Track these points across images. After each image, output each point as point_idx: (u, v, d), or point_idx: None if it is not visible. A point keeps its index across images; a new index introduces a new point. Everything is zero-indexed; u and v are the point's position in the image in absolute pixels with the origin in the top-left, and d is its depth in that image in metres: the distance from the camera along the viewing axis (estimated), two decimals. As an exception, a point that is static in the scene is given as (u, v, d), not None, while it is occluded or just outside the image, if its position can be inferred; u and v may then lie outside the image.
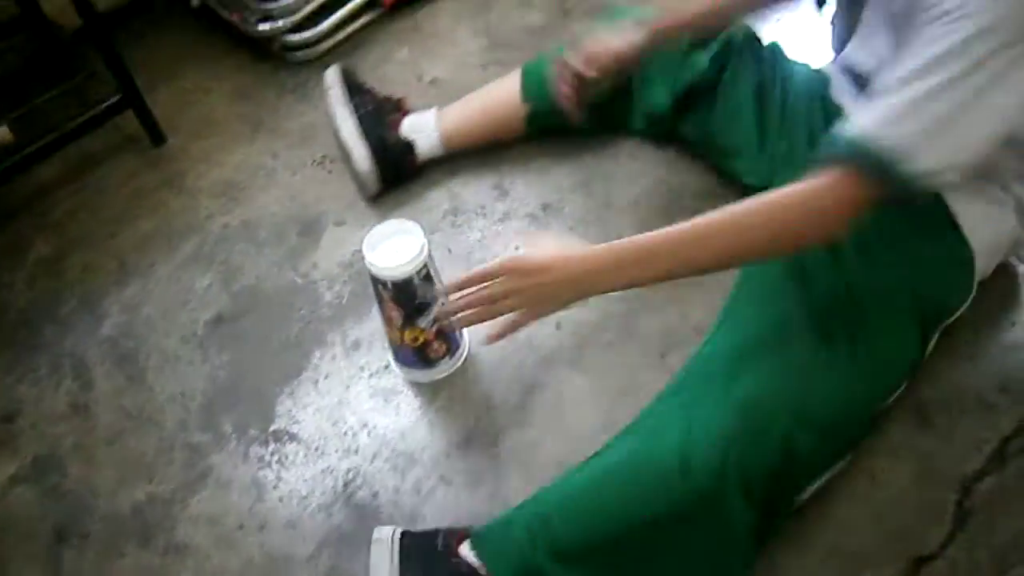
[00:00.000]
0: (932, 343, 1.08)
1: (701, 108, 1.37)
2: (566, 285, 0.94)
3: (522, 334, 1.25)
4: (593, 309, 1.29)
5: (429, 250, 1.13)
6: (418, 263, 1.10)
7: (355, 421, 1.23)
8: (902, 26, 0.92)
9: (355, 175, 1.50)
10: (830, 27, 1.18)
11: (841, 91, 1.17)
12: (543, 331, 1.28)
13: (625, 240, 0.93)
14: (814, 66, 1.27)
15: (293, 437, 1.23)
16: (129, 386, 1.33)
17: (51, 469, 1.25)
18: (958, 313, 1.09)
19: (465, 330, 1.26)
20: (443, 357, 1.24)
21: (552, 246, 0.96)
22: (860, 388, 0.97)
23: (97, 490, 1.22)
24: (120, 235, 1.57)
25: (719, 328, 1.08)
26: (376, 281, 1.13)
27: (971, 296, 1.09)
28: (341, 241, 1.48)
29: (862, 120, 0.87)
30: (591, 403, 1.19)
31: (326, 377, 1.29)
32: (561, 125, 1.41)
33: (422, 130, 1.49)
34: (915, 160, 0.84)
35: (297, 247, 1.48)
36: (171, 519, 1.17)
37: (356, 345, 1.32)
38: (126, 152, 1.72)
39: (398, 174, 1.50)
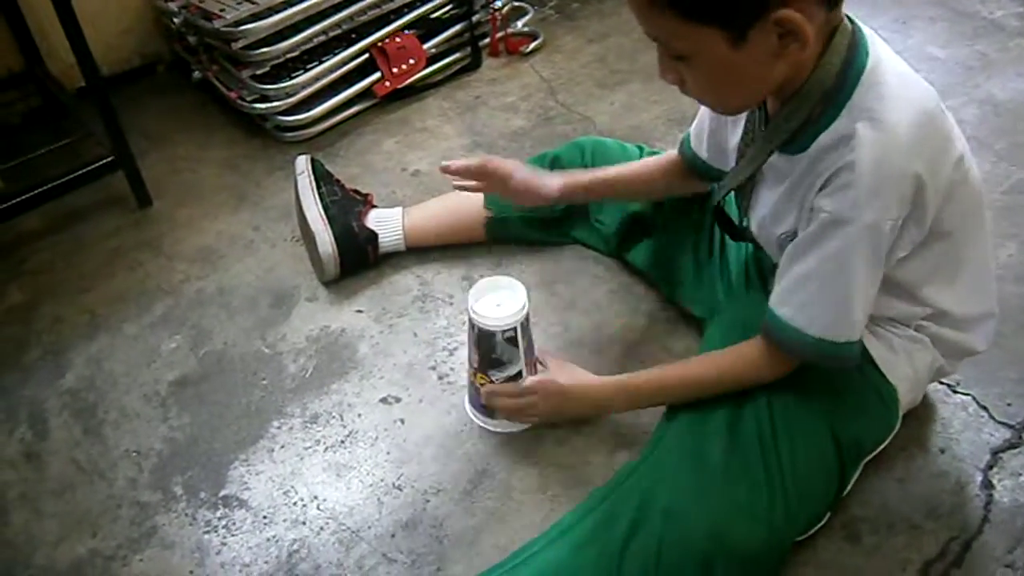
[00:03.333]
0: (854, 477, 1.13)
1: (644, 237, 1.46)
2: (579, 408, 1.26)
3: (478, 421, 1.31)
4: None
5: (524, 322, 1.21)
6: (504, 325, 1.19)
7: (306, 493, 1.25)
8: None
9: (316, 259, 1.54)
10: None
11: None
12: (498, 420, 1.32)
13: (624, 377, 1.19)
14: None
15: (242, 503, 1.24)
16: (84, 439, 1.34)
17: (-6, 516, 1.25)
18: (880, 448, 1.16)
19: None
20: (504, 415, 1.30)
21: (570, 375, 1.23)
22: (779, 519, 1.01)
23: (37, 542, 1.21)
24: (94, 290, 1.60)
25: (652, 439, 1.15)
26: (470, 318, 1.21)
27: (894, 431, 1.16)
28: (311, 316, 1.52)
29: (772, 298, 1.05)
30: (537, 494, 1.22)
31: (282, 447, 1.31)
32: (519, 235, 1.49)
33: (386, 225, 1.56)
34: (809, 329, 1.01)
35: (267, 318, 1.52)
36: (109, 576, 1.17)
37: (315, 418, 1.35)
38: (111, 211, 1.77)
39: (358, 262, 1.55)
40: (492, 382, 1.24)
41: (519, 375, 1.23)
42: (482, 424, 1.31)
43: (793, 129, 0.98)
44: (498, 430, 1.30)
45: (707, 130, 1.21)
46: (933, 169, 0.93)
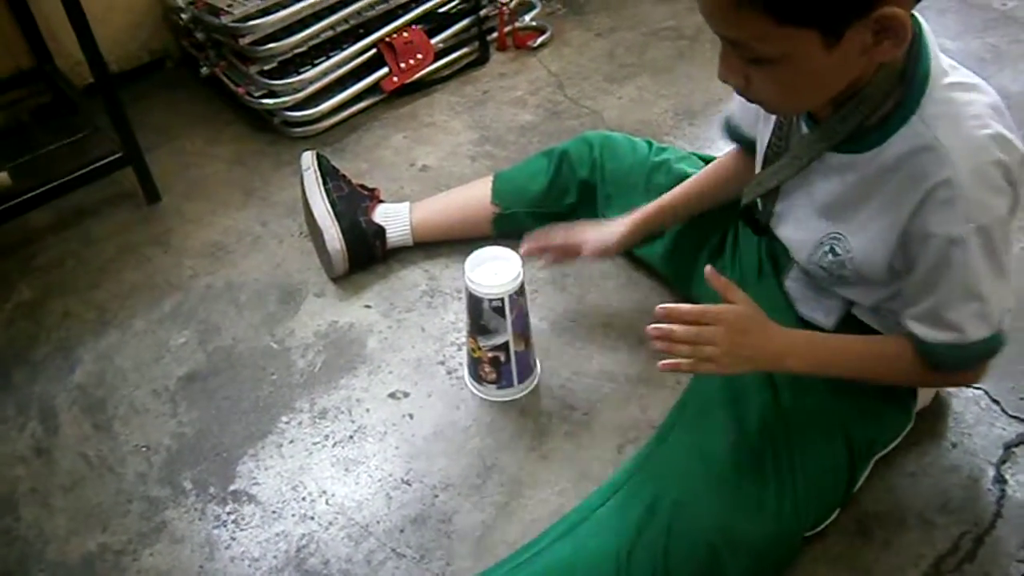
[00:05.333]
0: (864, 474, 1.13)
1: (656, 234, 1.44)
2: (765, 355, 1.02)
3: (486, 417, 1.31)
4: (555, 399, 1.33)
5: (515, 294, 1.23)
6: (491, 294, 1.22)
7: (315, 488, 1.25)
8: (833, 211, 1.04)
9: (323, 255, 1.55)
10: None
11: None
12: (506, 416, 1.31)
13: (812, 334, 1.08)
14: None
15: (252, 498, 1.24)
16: (94, 434, 1.34)
17: (4, 512, 1.25)
18: (892, 445, 1.15)
19: (527, 380, 1.34)
20: (491, 383, 1.32)
21: (757, 314, 1.03)
22: (787, 514, 1.01)
23: (48, 536, 1.22)
24: (103, 286, 1.60)
25: (660, 432, 1.14)
26: (465, 281, 1.24)
27: (907, 429, 1.15)
28: (319, 311, 1.52)
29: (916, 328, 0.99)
30: (546, 489, 1.22)
31: (291, 442, 1.31)
32: (527, 229, 1.49)
33: (394, 219, 1.56)
34: (964, 342, 0.97)
35: (276, 313, 1.52)
36: (120, 571, 1.17)
37: (323, 413, 1.35)
38: (119, 206, 1.78)
39: (366, 257, 1.55)
40: (480, 348, 1.27)
41: (505, 346, 1.26)
42: (476, 392, 1.34)
43: (850, 130, 0.95)
44: (490, 398, 1.33)
45: (753, 113, 1.16)
46: (1010, 152, 0.91)
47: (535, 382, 1.36)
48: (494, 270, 1.24)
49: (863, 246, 1.00)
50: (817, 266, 1.07)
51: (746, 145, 1.22)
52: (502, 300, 1.22)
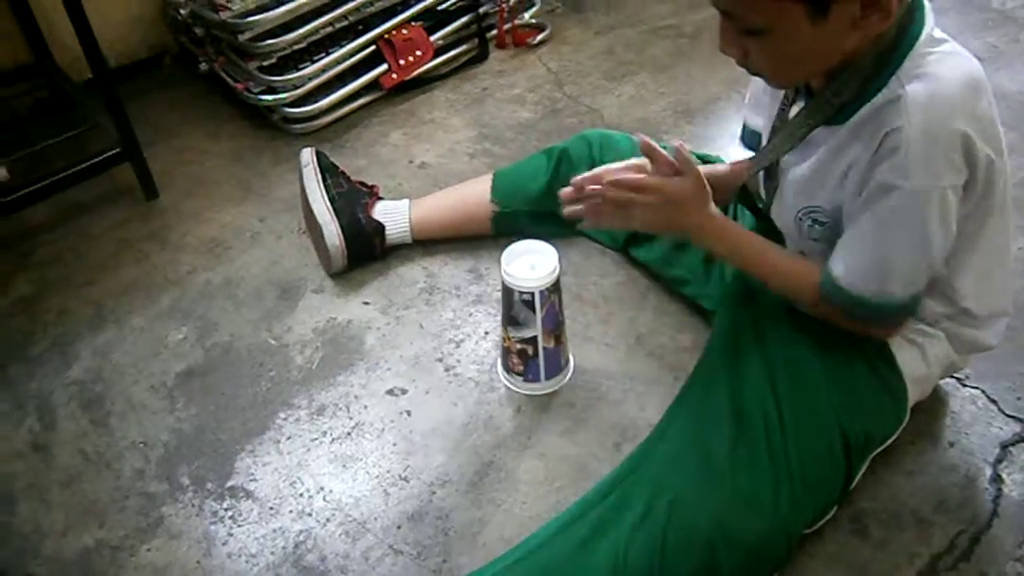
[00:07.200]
0: (861, 471, 1.13)
1: (649, 238, 1.45)
2: (686, 227, 1.12)
3: (484, 414, 1.31)
4: (554, 395, 1.33)
5: (547, 291, 1.23)
6: (521, 287, 1.22)
7: (312, 484, 1.25)
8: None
9: (322, 251, 1.54)
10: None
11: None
12: (504, 413, 1.32)
13: (742, 233, 1.14)
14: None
15: (249, 494, 1.24)
16: (92, 430, 1.34)
17: (1, 507, 1.25)
18: (888, 442, 1.15)
19: (556, 377, 1.34)
20: (518, 375, 1.33)
21: (701, 193, 1.10)
22: (784, 511, 1.01)
23: (45, 531, 1.22)
24: (100, 282, 1.60)
25: (657, 429, 1.14)
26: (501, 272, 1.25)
27: (902, 426, 1.15)
28: (318, 308, 1.52)
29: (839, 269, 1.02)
30: (543, 486, 1.22)
31: (288, 438, 1.31)
32: (526, 228, 1.49)
33: (393, 216, 1.55)
34: (843, 282, 1.00)
35: (274, 310, 1.52)
36: (117, 567, 1.17)
37: (321, 410, 1.35)
38: (118, 203, 1.77)
39: (365, 254, 1.55)
40: (510, 338, 1.28)
41: (533, 340, 1.26)
42: (504, 382, 1.35)
43: (843, 103, 0.97)
44: (523, 392, 1.33)
45: (763, 103, 1.18)
46: (982, 133, 0.92)
47: (565, 380, 1.35)
48: (531, 263, 1.25)
49: (837, 208, 1.02)
50: (809, 240, 1.09)
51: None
52: (532, 295, 1.22)
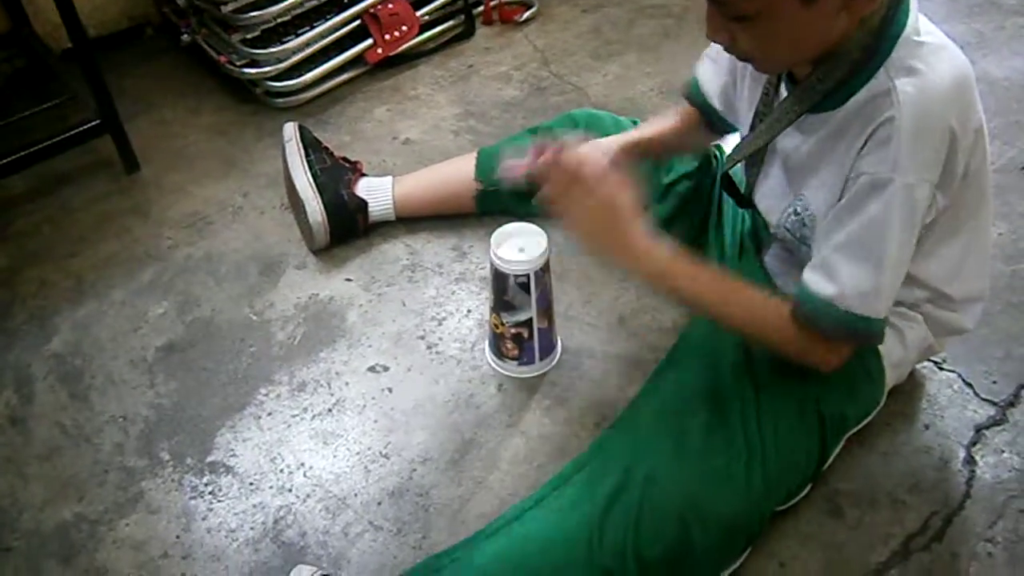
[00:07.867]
0: (836, 450, 1.14)
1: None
2: (622, 252, 1.05)
3: (465, 391, 1.31)
4: (537, 375, 1.34)
5: (540, 271, 1.22)
6: (517, 270, 1.21)
7: (292, 460, 1.25)
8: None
9: (305, 227, 1.54)
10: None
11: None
12: (486, 391, 1.32)
13: (674, 259, 1.03)
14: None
15: (229, 470, 1.24)
16: (71, 404, 1.34)
17: (-22, 480, 1.24)
18: (864, 422, 1.16)
19: (548, 357, 1.34)
20: (512, 359, 1.32)
21: (640, 220, 1.04)
22: (757, 487, 1.02)
23: (23, 505, 1.21)
24: (81, 255, 1.59)
25: (631, 404, 1.15)
26: (490, 257, 1.23)
27: (878, 407, 1.16)
28: (299, 284, 1.51)
29: (805, 271, 0.99)
30: (523, 464, 1.22)
31: (269, 414, 1.31)
32: (509, 207, 1.48)
33: (376, 193, 1.55)
34: (839, 301, 0.96)
35: (256, 285, 1.51)
36: (95, 541, 1.17)
37: (302, 386, 1.35)
38: (98, 175, 1.75)
39: (348, 231, 1.55)
40: (503, 324, 1.27)
41: (529, 322, 1.26)
42: (495, 367, 1.35)
43: (827, 90, 0.96)
44: (510, 374, 1.33)
45: (723, 82, 1.18)
46: (964, 127, 0.92)
47: (556, 359, 1.36)
48: (520, 246, 1.24)
49: (819, 201, 1.02)
50: (783, 228, 1.09)
51: (703, 112, 1.24)
52: (528, 276, 1.22)
